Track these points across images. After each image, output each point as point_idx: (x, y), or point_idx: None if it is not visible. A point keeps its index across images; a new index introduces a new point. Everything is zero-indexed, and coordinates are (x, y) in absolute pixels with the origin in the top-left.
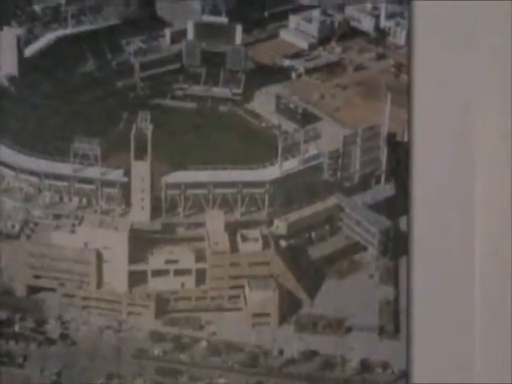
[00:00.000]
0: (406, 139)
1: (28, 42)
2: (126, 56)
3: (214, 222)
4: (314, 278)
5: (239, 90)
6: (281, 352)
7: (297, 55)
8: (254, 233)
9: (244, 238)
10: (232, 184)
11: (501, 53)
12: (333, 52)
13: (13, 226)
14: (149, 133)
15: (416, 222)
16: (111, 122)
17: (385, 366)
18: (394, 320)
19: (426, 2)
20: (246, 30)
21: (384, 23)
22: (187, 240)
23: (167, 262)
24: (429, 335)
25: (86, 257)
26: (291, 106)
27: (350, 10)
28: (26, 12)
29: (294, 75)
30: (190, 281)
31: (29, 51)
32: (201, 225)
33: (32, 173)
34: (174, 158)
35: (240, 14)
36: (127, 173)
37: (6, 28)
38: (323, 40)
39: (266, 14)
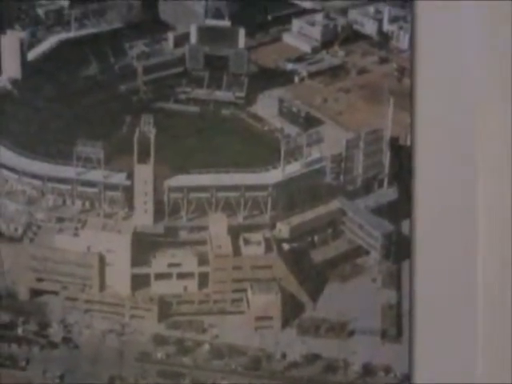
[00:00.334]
0: (408, 143)
1: (31, 46)
2: (128, 60)
3: (217, 225)
4: (317, 281)
5: (242, 94)
6: (283, 355)
7: (300, 59)
8: (256, 236)
9: (247, 242)
10: (235, 187)
11: (503, 55)
12: (336, 55)
13: (16, 229)
14: (152, 136)
15: (418, 225)
16: (114, 125)
17: (387, 369)
18: (397, 324)
19: (428, 5)
20: (249, 34)
21: (387, 27)
22: (190, 243)
23: (170, 265)
24: (431, 339)
25: (89, 260)
26: (294, 109)
27: (352, 14)
28: (29, 15)
29: (296, 79)
30: (192, 284)
31: (32, 55)
32: (203, 228)
33: (35, 176)
34: (176, 162)
35: (243, 17)
36: (130, 176)
37: (9, 31)
38: (326, 44)
39: (269, 17)
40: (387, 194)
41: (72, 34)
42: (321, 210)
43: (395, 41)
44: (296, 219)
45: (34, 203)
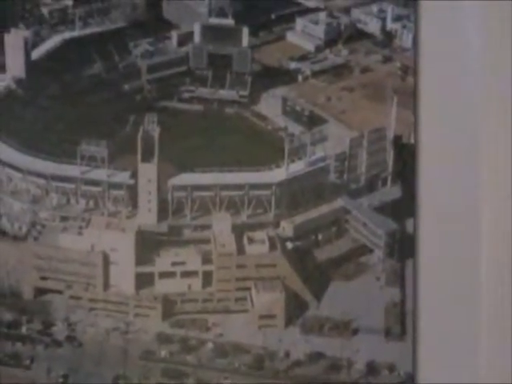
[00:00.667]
0: (412, 141)
1: (35, 45)
2: (133, 58)
3: (221, 224)
4: (321, 280)
5: (246, 93)
6: (287, 354)
7: (303, 57)
8: (260, 235)
9: (250, 240)
10: (238, 186)
11: (506, 54)
12: (339, 54)
13: (20, 228)
14: (156, 135)
15: (422, 224)
16: (118, 124)
17: (391, 368)
18: (401, 322)
19: (432, 4)
20: (253, 33)
21: (390, 26)
22: (194, 242)
23: (174, 264)
24: (435, 337)
25: (93, 259)
26: (298, 108)
27: (356, 13)
28: (33, 14)
29: (300, 77)
30: (196, 283)
31: (36, 53)
32: (207, 227)
33: (39, 175)
34: (180, 160)
35: (246, 16)
36: (134, 175)
37: (13, 30)
38: (330, 42)
39: (272, 16)
40: (391, 192)
41: (76, 33)
42: (324, 208)
43: (399, 39)
44: (300, 218)
45: (38, 202)
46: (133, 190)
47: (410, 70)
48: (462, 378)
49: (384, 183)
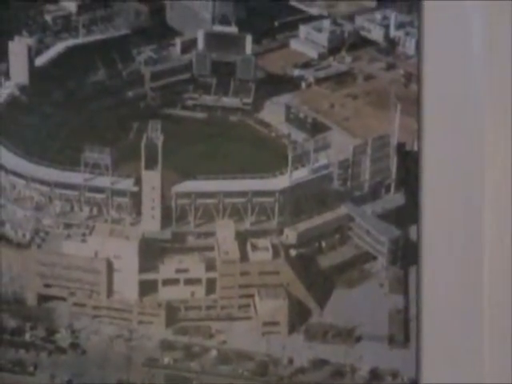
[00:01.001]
0: (415, 149)
1: (39, 52)
2: (136, 65)
3: (224, 231)
4: (324, 287)
5: (249, 100)
6: (290, 361)
7: (307, 65)
8: (263, 242)
9: (254, 248)
10: (242, 193)
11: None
12: (343, 62)
13: (23, 235)
14: (159, 142)
15: (425, 231)
16: (122, 131)
17: (394, 374)
18: (404, 329)
19: (435, 11)
20: (256, 40)
21: (394, 33)
22: (197, 249)
23: (177, 271)
24: (438, 344)
25: (97, 266)
26: (301, 115)
27: (359, 20)
28: (36, 22)
29: (303, 85)
30: (200, 290)
31: (39, 61)
32: (211, 234)
33: (43, 182)
34: (184, 168)
35: (250, 23)
36: (138, 182)
37: (16, 38)
38: (333, 50)
39: (275, 23)
40: (394, 199)
41: (80, 40)
42: (328, 215)
43: (402, 47)
44: (303, 225)
45: (41, 209)
46: (136, 198)
47: (414, 77)
48: (465, 383)
49: (387, 190)
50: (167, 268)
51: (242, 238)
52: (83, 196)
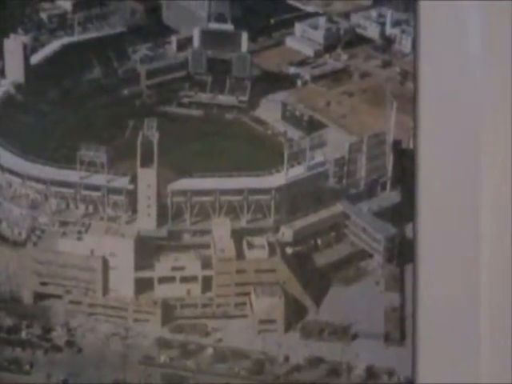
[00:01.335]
0: (411, 146)
1: (34, 50)
2: (132, 63)
3: (220, 229)
4: (320, 284)
5: (245, 98)
6: (286, 359)
7: (302, 62)
8: (260, 240)
9: (250, 245)
10: (238, 191)
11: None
12: (338, 59)
13: (19, 233)
14: (155, 140)
15: (421, 228)
16: (117, 129)
17: (390, 373)
18: (400, 327)
19: (431, 9)
20: (252, 38)
21: (390, 30)
22: (193, 247)
23: (173, 269)
24: (434, 342)
25: (93, 264)
26: (297, 113)
27: (355, 18)
28: (32, 20)
29: (299, 82)
30: (196, 288)
31: (35, 59)
32: (207, 232)
33: (38, 180)
34: (180, 165)
35: (246, 21)
36: (133, 180)
37: (12, 35)
38: (329, 47)
39: (271, 21)
40: (390, 197)
41: (75, 38)
42: (324, 213)
43: (398, 44)
44: (299, 223)
45: (37, 207)
46: (132, 195)
47: (410, 74)
48: (461, 382)
49: (383, 188)
50: (163, 266)
51: (238, 235)
52: (79, 194)
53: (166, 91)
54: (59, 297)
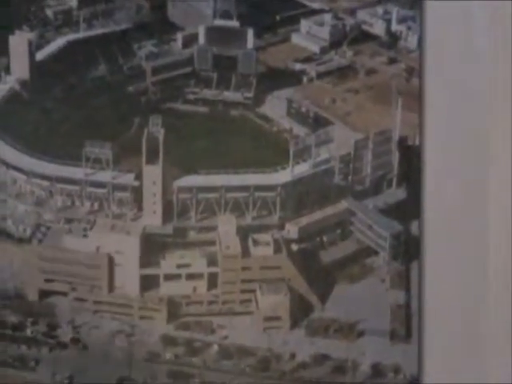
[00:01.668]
0: (417, 143)
1: (39, 47)
2: (137, 60)
3: (226, 225)
4: (326, 282)
5: (250, 94)
6: (292, 356)
7: (308, 59)
8: (265, 237)
9: (255, 242)
10: (243, 188)
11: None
12: (344, 56)
13: (24, 230)
14: (160, 137)
15: (427, 225)
16: (123, 126)
17: (396, 370)
18: (406, 324)
19: (437, 6)
20: (258, 34)
21: (395, 27)
22: (199, 244)
23: (179, 266)
24: (440, 339)
25: (98, 261)
26: (302, 110)
27: (361, 14)
28: (37, 16)
29: (305, 79)
30: (201, 285)
31: (40, 55)
32: (212, 229)
33: (44, 177)
34: (185, 162)
35: (251, 18)
36: (139, 177)
37: (17, 32)
38: (335, 44)
39: (277, 18)
40: (396, 194)
41: (80, 34)
42: (329, 210)
43: (404, 41)
44: (305, 220)
45: (42, 204)
46: (138, 192)
47: (415, 71)
48: (466, 379)
49: (389, 185)
50: (169, 263)
51: (243, 232)
52: (84, 191)
53: (171, 88)
54: (64, 294)
